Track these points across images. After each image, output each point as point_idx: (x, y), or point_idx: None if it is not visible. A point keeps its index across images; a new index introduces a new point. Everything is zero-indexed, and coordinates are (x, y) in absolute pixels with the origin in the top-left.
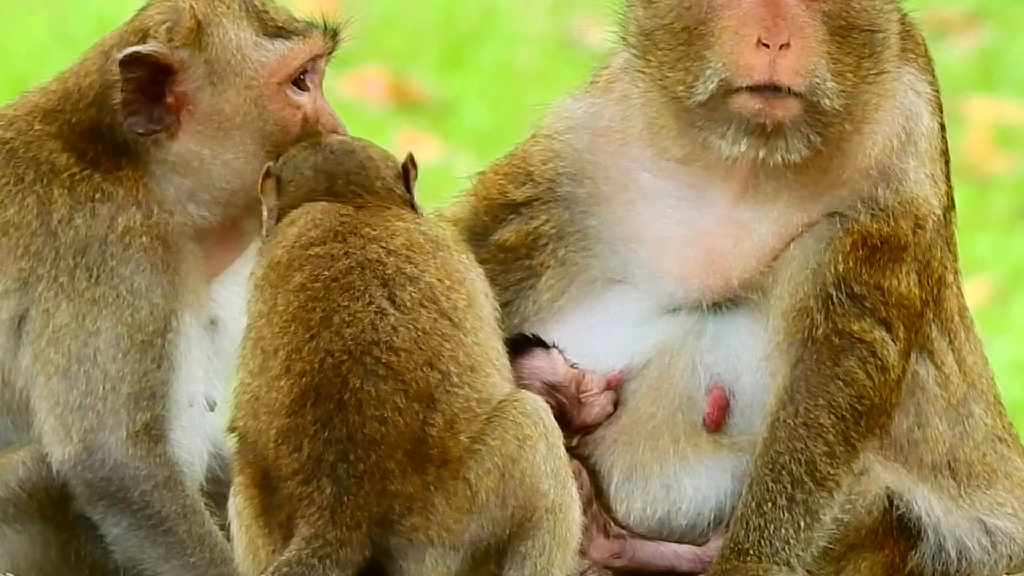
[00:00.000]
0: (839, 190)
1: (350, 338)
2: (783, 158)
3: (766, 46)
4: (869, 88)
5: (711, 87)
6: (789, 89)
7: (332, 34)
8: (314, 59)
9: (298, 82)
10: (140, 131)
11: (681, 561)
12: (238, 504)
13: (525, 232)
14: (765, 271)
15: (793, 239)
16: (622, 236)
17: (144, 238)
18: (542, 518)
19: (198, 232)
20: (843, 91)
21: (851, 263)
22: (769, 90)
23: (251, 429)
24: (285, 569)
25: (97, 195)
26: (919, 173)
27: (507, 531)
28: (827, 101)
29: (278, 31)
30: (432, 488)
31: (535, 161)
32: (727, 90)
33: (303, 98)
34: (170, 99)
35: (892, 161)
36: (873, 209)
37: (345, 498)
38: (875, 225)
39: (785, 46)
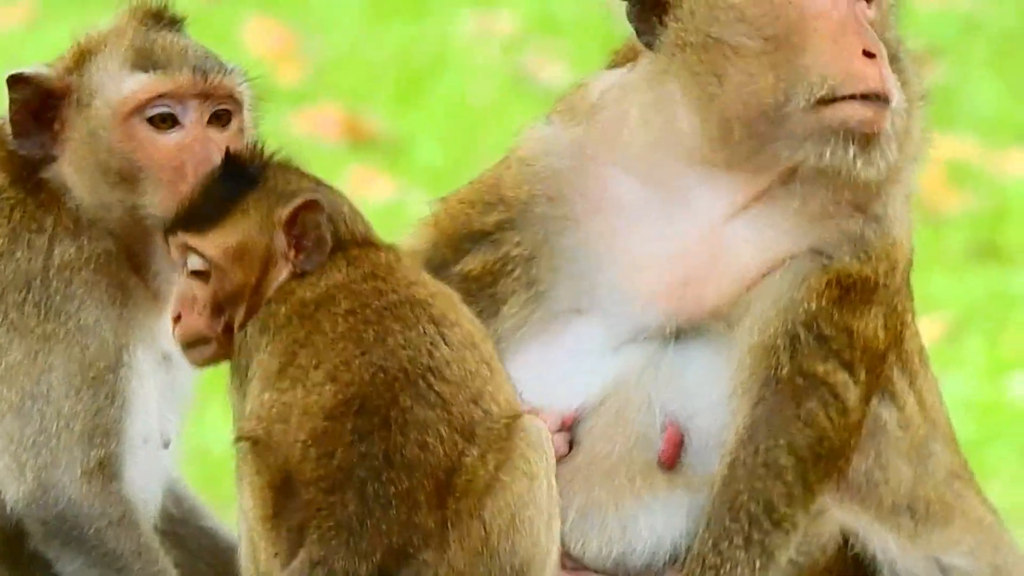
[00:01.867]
0: (826, 222)
1: (406, 359)
2: (872, 175)
3: (871, 56)
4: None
5: (819, 93)
6: (889, 100)
7: (202, 75)
8: (175, 98)
9: (159, 118)
10: (24, 153)
11: None
12: (245, 503)
13: (492, 260)
14: (736, 301)
15: (770, 270)
16: (595, 257)
17: (83, 272)
18: (531, 569)
19: (129, 261)
20: (904, 112)
21: (824, 303)
22: (879, 100)
23: (276, 432)
24: None
25: (32, 225)
26: (901, 214)
27: None
28: (900, 120)
29: (145, 64)
30: (450, 524)
31: (509, 184)
32: (831, 98)
33: (164, 136)
34: (57, 125)
35: (891, 198)
36: (858, 250)
37: (368, 521)
38: (855, 266)
39: (884, 58)
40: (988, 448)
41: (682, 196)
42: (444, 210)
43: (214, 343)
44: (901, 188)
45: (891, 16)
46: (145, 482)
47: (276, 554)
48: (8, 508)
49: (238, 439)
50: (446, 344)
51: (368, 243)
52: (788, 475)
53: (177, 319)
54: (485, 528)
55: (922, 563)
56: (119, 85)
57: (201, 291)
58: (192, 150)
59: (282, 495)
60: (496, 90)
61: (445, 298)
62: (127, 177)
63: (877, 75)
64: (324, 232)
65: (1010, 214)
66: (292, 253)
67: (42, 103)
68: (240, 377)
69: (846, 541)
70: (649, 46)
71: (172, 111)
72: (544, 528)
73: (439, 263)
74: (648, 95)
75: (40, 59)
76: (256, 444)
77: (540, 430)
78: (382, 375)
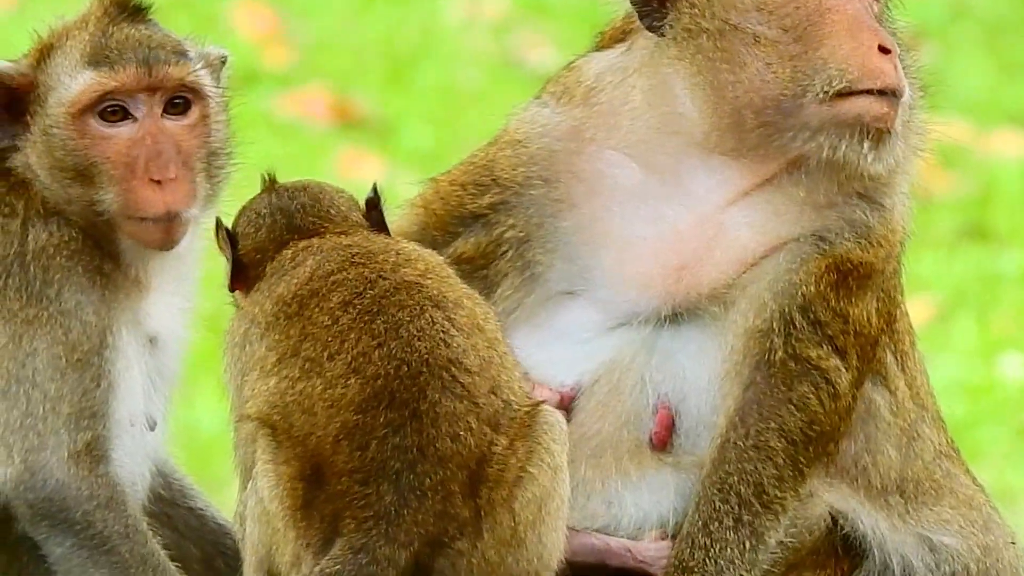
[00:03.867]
0: (830, 210)
1: (425, 351)
2: (880, 168)
3: (886, 52)
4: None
5: (836, 87)
6: (901, 96)
7: (146, 69)
8: (122, 93)
9: (110, 112)
10: None
11: (611, 556)
12: (267, 492)
13: (486, 242)
14: (734, 283)
15: (769, 252)
16: (589, 240)
17: (59, 258)
18: (554, 559)
19: (104, 250)
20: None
21: (821, 287)
22: (893, 96)
23: (299, 422)
24: None
25: (5, 208)
26: (904, 203)
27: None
28: (906, 115)
29: (96, 60)
30: (482, 514)
31: (503, 166)
32: (849, 92)
33: (115, 130)
34: (27, 117)
35: (896, 187)
36: (860, 236)
37: (405, 511)
38: (856, 252)
39: (897, 54)
40: (979, 429)
41: (682, 181)
42: (435, 192)
43: None
44: (906, 178)
45: (891, 9)
46: (133, 464)
47: (308, 544)
48: None
49: (245, 418)
50: (457, 330)
51: (305, 229)
52: (779, 458)
53: None
54: (514, 519)
55: (912, 542)
56: (70, 83)
57: None
58: (143, 144)
59: (312, 485)
60: (484, 72)
61: (434, 271)
62: (83, 173)
63: (892, 71)
64: (221, 244)
65: (999, 195)
66: (226, 267)
67: (11, 96)
68: (235, 362)
69: (835, 522)
70: (651, 29)
71: (122, 105)
72: (564, 519)
73: (428, 245)
74: (652, 79)
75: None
76: (274, 431)
77: (561, 423)
78: (406, 368)
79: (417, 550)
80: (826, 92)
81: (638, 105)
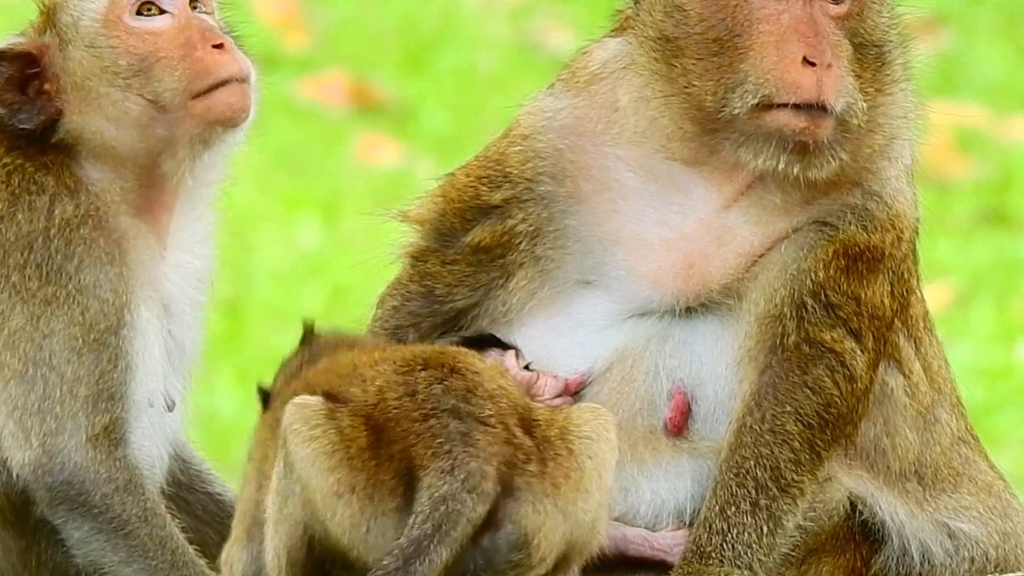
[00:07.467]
0: (827, 198)
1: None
2: (815, 175)
3: (812, 64)
4: (883, 102)
5: (751, 101)
6: (828, 108)
7: None
8: None
9: (145, 8)
10: (31, 125)
11: (628, 545)
12: (317, 446)
13: (501, 231)
14: (744, 275)
15: (775, 244)
16: (600, 237)
17: (83, 230)
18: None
19: (132, 205)
20: (866, 108)
21: (831, 272)
22: (815, 109)
23: (344, 391)
24: (442, 507)
25: (32, 187)
26: (903, 185)
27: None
28: (855, 120)
29: None
30: (541, 448)
31: (513, 161)
32: (767, 105)
33: (155, 22)
34: (47, 85)
35: (884, 174)
36: (862, 220)
37: (474, 433)
38: (861, 235)
39: (828, 65)
40: (997, 414)
41: (678, 186)
42: (452, 184)
43: None
44: (893, 164)
45: (876, 3)
46: (151, 446)
47: (381, 483)
48: (14, 475)
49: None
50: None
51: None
52: (795, 441)
53: None
54: (575, 459)
55: (931, 528)
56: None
57: None
58: (191, 26)
59: (371, 431)
60: (503, 57)
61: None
62: (139, 70)
63: (813, 85)
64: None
65: (1017, 180)
66: None
67: (23, 75)
68: None
69: (854, 507)
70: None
71: (154, 1)
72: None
73: (448, 231)
74: (637, 79)
75: None
76: (328, 396)
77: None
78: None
79: (498, 468)
80: (742, 107)
81: (626, 107)
